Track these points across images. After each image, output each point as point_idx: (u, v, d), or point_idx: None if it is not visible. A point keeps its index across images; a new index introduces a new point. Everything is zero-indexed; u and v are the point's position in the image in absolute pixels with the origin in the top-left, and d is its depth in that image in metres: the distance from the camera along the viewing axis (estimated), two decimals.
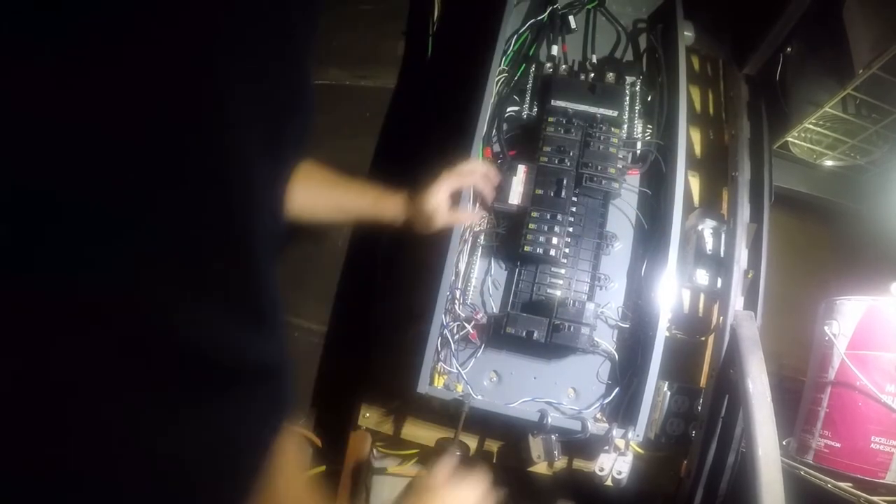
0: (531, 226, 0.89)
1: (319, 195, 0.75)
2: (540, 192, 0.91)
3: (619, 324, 0.93)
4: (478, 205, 0.92)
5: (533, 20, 1.06)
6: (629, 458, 0.85)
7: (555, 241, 0.88)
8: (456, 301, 0.92)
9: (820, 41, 1.03)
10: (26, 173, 0.20)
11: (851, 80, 0.91)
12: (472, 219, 0.90)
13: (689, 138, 1.03)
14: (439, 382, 0.90)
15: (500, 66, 1.00)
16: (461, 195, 0.85)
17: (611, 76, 1.01)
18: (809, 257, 1.24)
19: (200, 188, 0.23)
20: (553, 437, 0.86)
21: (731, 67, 1.13)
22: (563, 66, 1.04)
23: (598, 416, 0.91)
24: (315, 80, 0.31)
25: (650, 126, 0.99)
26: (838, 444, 0.81)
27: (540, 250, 0.88)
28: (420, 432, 0.96)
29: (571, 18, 1.05)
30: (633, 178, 0.99)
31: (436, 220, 0.80)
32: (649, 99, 1.01)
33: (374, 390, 0.98)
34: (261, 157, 0.26)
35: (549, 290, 0.91)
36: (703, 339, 0.99)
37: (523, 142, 1.00)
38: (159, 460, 0.23)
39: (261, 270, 0.26)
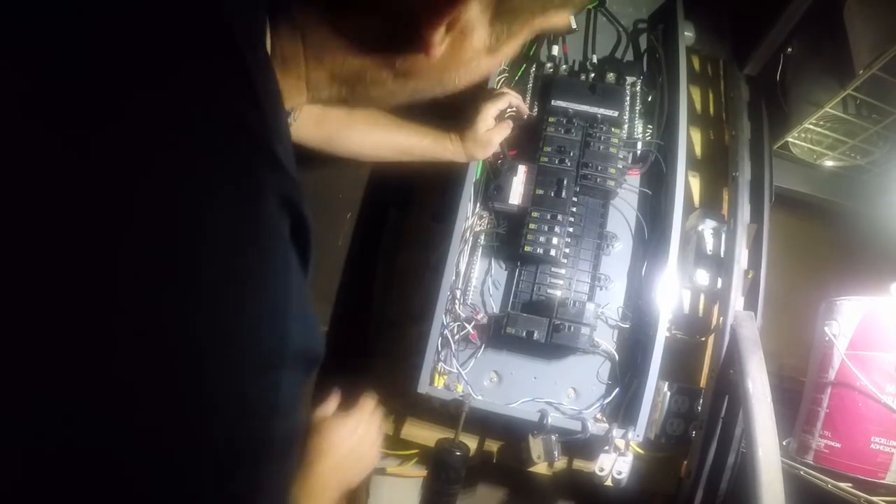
0: (531, 226, 0.89)
1: (383, 138, 0.82)
2: (540, 192, 0.91)
3: (620, 324, 0.93)
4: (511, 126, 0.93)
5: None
6: (629, 458, 0.85)
7: (555, 241, 0.88)
8: (456, 301, 0.92)
9: (820, 41, 1.03)
10: None
11: (852, 80, 0.91)
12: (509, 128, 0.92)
13: (689, 138, 1.03)
14: (439, 382, 0.90)
15: (500, 66, 1.00)
16: (502, 114, 0.92)
17: (611, 76, 1.01)
18: (809, 257, 1.24)
19: None
20: (553, 438, 0.86)
21: (731, 67, 1.13)
22: (564, 67, 1.04)
23: (599, 416, 0.91)
24: None
25: (650, 126, 0.99)
26: (838, 445, 0.81)
27: (540, 250, 0.88)
28: (420, 432, 0.96)
29: (572, 18, 1.05)
30: (634, 179, 0.99)
31: (493, 142, 0.88)
32: (650, 99, 1.01)
33: (375, 390, 0.98)
34: None
35: (549, 291, 0.91)
36: (703, 339, 0.99)
37: (524, 142, 1.00)
38: None
39: None
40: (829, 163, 1.14)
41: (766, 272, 0.96)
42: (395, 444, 0.98)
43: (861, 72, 0.88)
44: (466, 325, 0.91)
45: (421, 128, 0.86)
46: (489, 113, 0.87)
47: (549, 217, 0.89)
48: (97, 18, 0.24)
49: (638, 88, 1.01)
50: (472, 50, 0.36)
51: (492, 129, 0.88)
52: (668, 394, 0.93)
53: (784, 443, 0.87)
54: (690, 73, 1.05)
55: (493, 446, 0.95)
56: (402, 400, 0.95)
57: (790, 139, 1.09)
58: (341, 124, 0.78)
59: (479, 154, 0.89)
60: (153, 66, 0.24)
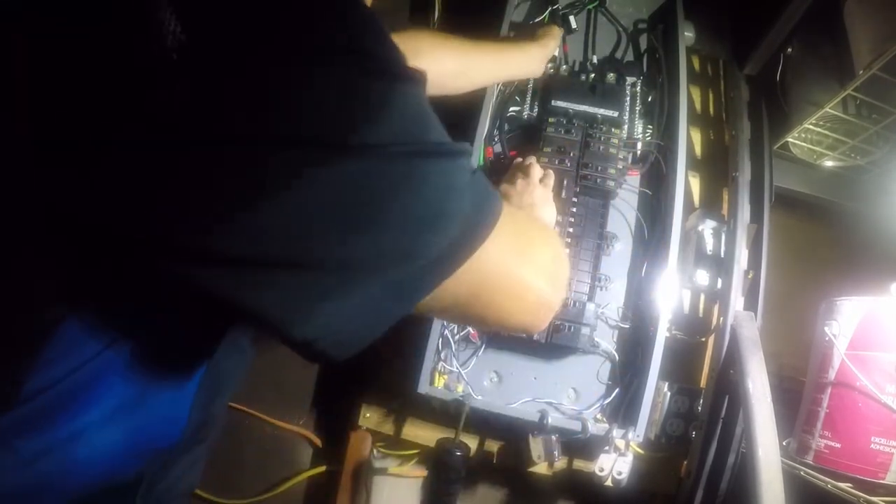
0: None
1: (455, 70, 0.80)
2: None
3: (620, 324, 0.93)
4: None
5: (533, 20, 1.06)
6: (629, 458, 0.85)
7: None
8: None
9: (820, 41, 1.03)
10: None
11: (852, 80, 0.91)
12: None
13: (689, 138, 1.03)
14: (439, 382, 0.90)
15: None
16: None
17: (611, 76, 1.01)
18: (809, 257, 1.24)
19: None
20: (553, 438, 0.86)
21: (731, 67, 1.13)
22: (564, 67, 1.04)
23: (599, 416, 0.91)
24: None
25: (650, 126, 0.99)
26: (838, 445, 0.81)
27: None
28: (420, 432, 0.96)
29: (572, 18, 1.05)
30: (634, 179, 0.99)
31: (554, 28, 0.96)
32: (650, 99, 1.01)
33: (374, 390, 0.98)
34: None
35: None
36: (703, 339, 0.99)
37: (524, 142, 1.00)
38: None
39: None
40: (829, 163, 1.14)
41: (766, 272, 0.96)
42: (395, 444, 0.98)
43: (861, 72, 0.88)
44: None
45: (492, 49, 0.86)
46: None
47: None
48: None
49: (638, 88, 1.01)
50: None
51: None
52: (668, 394, 0.93)
53: (784, 443, 0.87)
54: (690, 73, 1.05)
55: (493, 446, 0.95)
56: (402, 400, 0.95)
57: (790, 139, 1.09)
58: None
59: (552, 44, 0.93)
60: None
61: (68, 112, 0.26)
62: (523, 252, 0.38)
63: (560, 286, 0.42)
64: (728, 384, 0.87)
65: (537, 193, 0.76)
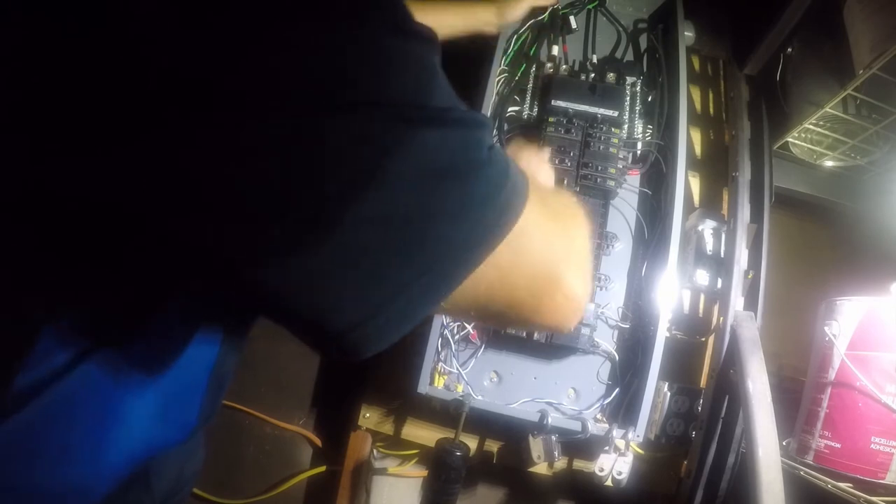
0: None
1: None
2: None
3: (620, 324, 0.93)
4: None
5: (533, 20, 1.06)
6: (629, 458, 0.85)
7: None
8: None
9: (820, 41, 1.03)
10: None
11: (851, 80, 0.91)
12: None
13: (689, 138, 1.03)
14: (439, 382, 0.90)
15: (500, 65, 1.00)
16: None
17: (611, 76, 1.01)
18: (809, 257, 1.24)
19: None
20: (553, 438, 0.86)
21: (731, 67, 1.13)
22: (564, 66, 1.04)
23: (599, 416, 0.91)
24: None
25: (650, 126, 0.99)
26: (838, 445, 0.81)
27: None
28: (420, 432, 0.96)
29: (572, 18, 1.05)
30: (634, 179, 0.99)
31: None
32: (650, 99, 1.01)
33: (374, 390, 0.98)
34: None
35: None
36: (703, 339, 0.99)
37: (523, 142, 1.00)
38: None
39: None
40: (829, 163, 1.14)
41: (766, 272, 0.96)
42: (395, 444, 0.98)
43: (861, 72, 0.88)
44: (466, 325, 0.91)
45: (450, 5, 0.88)
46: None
47: None
48: None
49: (638, 88, 1.01)
50: None
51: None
52: (668, 394, 0.93)
53: (784, 443, 0.87)
54: (690, 73, 1.05)
55: (493, 446, 0.95)
56: (402, 400, 0.95)
57: (790, 139, 1.09)
58: None
59: (510, 13, 0.94)
60: None
61: (101, 101, 0.23)
62: (555, 233, 0.34)
63: (588, 277, 0.37)
64: (728, 384, 0.87)
65: (544, 169, 0.75)
